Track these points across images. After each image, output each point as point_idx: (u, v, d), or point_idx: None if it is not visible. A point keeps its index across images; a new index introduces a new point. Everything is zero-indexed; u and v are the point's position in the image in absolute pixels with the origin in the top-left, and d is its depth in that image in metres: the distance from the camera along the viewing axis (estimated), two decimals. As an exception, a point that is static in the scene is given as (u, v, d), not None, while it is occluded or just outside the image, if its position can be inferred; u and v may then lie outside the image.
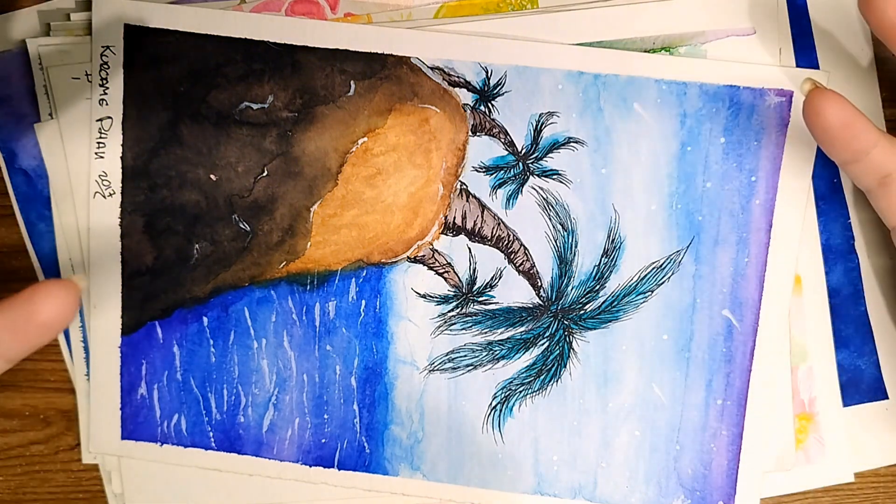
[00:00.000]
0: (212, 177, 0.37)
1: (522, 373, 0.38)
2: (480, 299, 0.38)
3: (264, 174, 0.37)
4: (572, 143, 0.37)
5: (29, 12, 0.37)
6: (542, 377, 0.38)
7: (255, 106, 0.37)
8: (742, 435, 0.38)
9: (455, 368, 0.38)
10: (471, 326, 0.38)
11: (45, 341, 0.31)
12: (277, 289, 0.38)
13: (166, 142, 0.37)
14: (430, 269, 0.38)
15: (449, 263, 0.38)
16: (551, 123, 0.37)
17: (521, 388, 0.38)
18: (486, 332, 0.38)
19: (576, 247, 0.37)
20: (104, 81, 0.37)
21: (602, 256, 0.37)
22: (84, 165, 0.37)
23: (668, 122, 0.36)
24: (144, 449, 0.39)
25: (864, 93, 0.37)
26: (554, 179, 0.37)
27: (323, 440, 0.39)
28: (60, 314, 0.31)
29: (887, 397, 0.38)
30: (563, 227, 0.37)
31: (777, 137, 0.36)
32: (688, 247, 0.37)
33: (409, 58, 0.36)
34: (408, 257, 0.38)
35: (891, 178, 0.32)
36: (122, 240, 0.38)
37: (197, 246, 0.38)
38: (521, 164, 0.37)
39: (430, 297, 0.38)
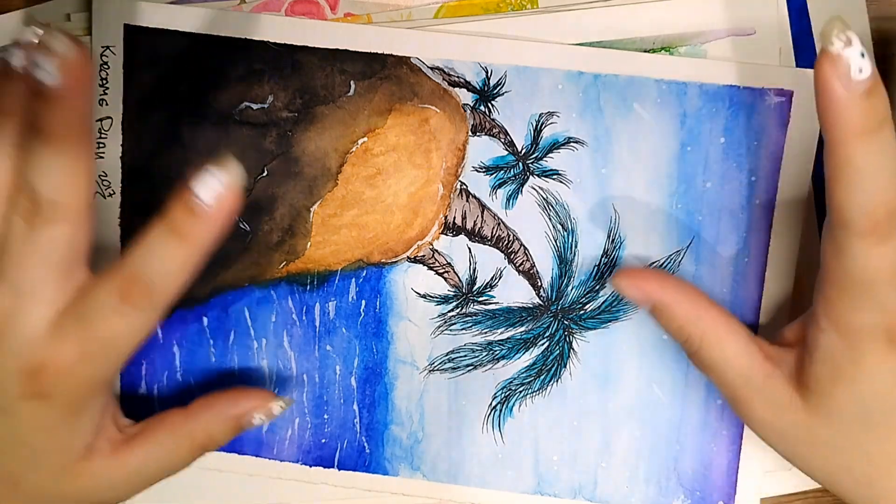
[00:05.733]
0: (212, 177, 0.37)
1: (522, 373, 0.38)
2: (480, 299, 0.38)
3: (264, 174, 0.37)
4: (572, 143, 0.37)
5: (28, 12, 0.37)
6: (542, 377, 0.38)
7: (255, 106, 0.37)
8: (742, 435, 0.38)
9: (455, 368, 0.38)
10: (471, 326, 0.38)
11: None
12: (277, 289, 0.38)
13: (166, 142, 0.37)
14: (430, 269, 0.38)
15: (449, 263, 0.38)
16: (551, 123, 0.37)
17: (521, 388, 0.38)
18: (486, 332, 0.38)
19: (576, 247, 0.37)
20: (104, 81, 0.37)
21: (602, 256, 0.37)
22: (84, 165, 0.37)
23: (668, 122, 0.36)
24: (144, 449, 0.39)
25: (864, 93, 0.37)
26: (554, 179, 0.37)
27: (323, 440, 0.39)
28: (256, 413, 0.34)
29: (887, 397, 0.38)
30: (563, 227, 0.37)
31: (777, 137, 0.36)
32: (688, 247, 0.37)
33: (409, 58, 0.36)
34: (408, 257, 0.38)
35: None
36: (122, 240, 0.38)
37: (197, 246, 0.38)
38: (521, 164, 0.37)
39: (430, 297, 0.38)
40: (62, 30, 0.26)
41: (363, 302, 0.38)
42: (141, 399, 0.39)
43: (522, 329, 0.38)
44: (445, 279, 0.38)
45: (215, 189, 0.28)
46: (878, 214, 0.27)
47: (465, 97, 0.37)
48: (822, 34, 0.26)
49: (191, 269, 0.29)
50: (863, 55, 0.26)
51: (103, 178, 0.37)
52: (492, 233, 0.37)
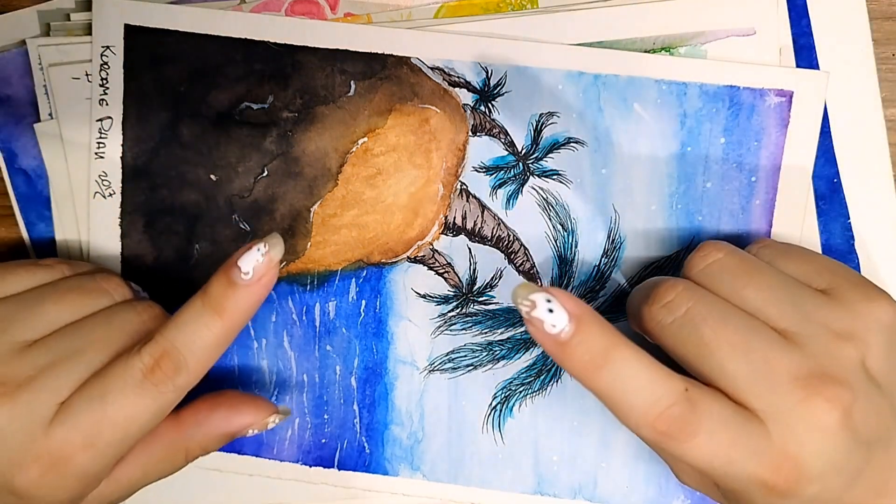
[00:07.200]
0: (212, 177, 0.37)
1: (522, 373, 0.38)
2: (480, 299, 0.38)
3: (264, 174, 0.37)
4: (572, 143, 0.37)
5: (29, 12, 0.37)
6: (542, 377, 0.38)
7: (255, 106, 0.37)
8: (742, 435, 0.38)
9: (455, 368, 0.38)
10: (471, 326, 0.38)
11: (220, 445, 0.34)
12: (277, 289, 0.38)
13: (166, 142, 0.37)
14: (430, 269, 0.38)
15: (449, 263, 0.38)
16: (551, 123, 0.37)
17: (521, 388, 0.38)
18: (486, 332, 0.38)
19: (576, 247, 0.37)
20: (104, 81, 0.37)
21: (602, 256, 0.37)
22: (84, 165, 0.37)
23: (668, 122, 0.36)
24: (144, 449, 0.39)
25: (864, 93, 0.37)
26: (554, 179, 0.37)
27: (323, 440, 0.39)
28: (251, 428, 0.34)
29: (887, 397, 0.38)
30: (563, 227, 0.37)
31: (777, 137, 0.36)
32: (688, 247, 0.37)
33: (409, 58, 0.36)
34: (408, 257, 0.38)
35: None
36: (122, 240, 0.38)
37: (197, 246, 0.38)
38: (521, 164, 0.37)
39: (430, 297, 0.38)
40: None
41: (363, 302, 0.38)
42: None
43: (522, 329, 0.38)
44: (445, 279, 0.38)
45: (256, 261, 0.29)
46: (655, 421, 0.28)
47: (465, 97, 0.37)
48: (513, 302, 0.28)
49: (223, 346, 0.30)
50: (550, 311, 0.27)
51: (103, 178, 0.37)
52: (492, 233, 0.37)
